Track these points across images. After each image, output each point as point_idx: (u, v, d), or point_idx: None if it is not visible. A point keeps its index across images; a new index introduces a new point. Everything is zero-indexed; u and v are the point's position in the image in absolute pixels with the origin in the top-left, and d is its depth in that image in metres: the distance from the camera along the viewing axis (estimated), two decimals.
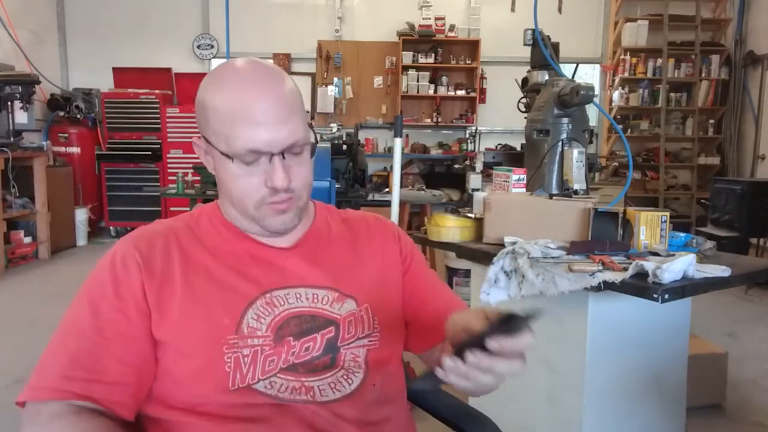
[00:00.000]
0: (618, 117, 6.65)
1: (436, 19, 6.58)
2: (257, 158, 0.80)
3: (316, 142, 0.87)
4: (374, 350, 0.88)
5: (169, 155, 6.27)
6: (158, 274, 0.81)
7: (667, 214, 1.62)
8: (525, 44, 2.94)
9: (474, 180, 3.44)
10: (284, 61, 6.73)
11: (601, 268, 1.44)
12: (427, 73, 6.70)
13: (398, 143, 2.35)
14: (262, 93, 0.79)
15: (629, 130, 6.63)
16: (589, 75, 7.03)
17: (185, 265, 0.83)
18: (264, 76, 0.81)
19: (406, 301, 0.98)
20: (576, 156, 2.18)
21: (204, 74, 5.75)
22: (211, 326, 0.80)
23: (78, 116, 6.21)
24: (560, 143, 2.30)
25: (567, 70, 2.62)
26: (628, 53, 6.50)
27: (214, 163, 0.85)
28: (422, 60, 6.67)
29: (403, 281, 0.98)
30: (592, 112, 4.85)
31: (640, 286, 1.39)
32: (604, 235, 1.62)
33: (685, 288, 1.40)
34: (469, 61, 6.76)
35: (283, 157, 0.81)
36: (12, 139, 4.96)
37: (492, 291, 1.61)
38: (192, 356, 0.79)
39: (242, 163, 0.80)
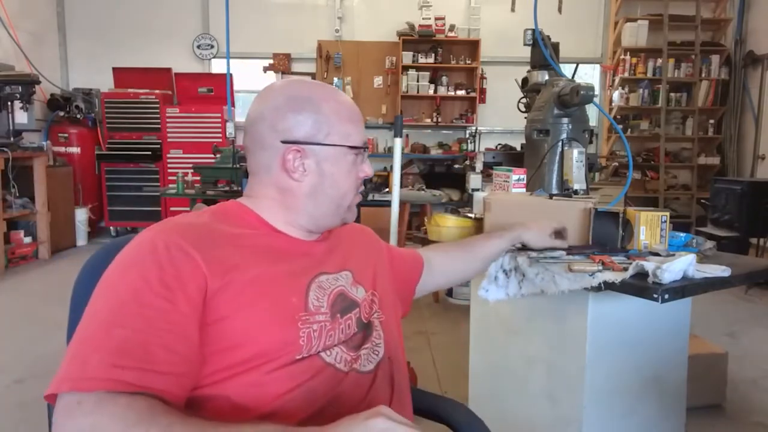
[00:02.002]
0: (618, 117, 6.65)
1: (436, 19, 6.58)
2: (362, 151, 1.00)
3: None
4: (382, 328, 1.01)
5: (169, 155, 6.28)
6: (216, 261, 0.83)
7: (667, 214, 1.61)
8: (525, 44, 2.94)
9: (474, 180, 3.42)
10: (284, 61, 6.73)
11: (601, 268, 1.44)
12: (427, 73, 6.69)
13: (398, 143, 2.35)
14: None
15: (629, 130, 6.63)
16: (589, 75, 7.03)
17: (239, 252, 0.87)
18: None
19: (395, 273, 1.18)
20: (576, 156, 2.18)
21: (204, 74, 5.75)
22: (282, 305, 0.86)
23: (78, 116, 6.21)
24: (560, 143, 2.30)
25: (567, 70, 2.62)
26: (628, 53, 6.50)
27: (317, 166, 0.95)
28: (422, 60, 6.67)
29: (391, 266, 1.18)
30: (592, 112, 4.85)
31: (640, 286, 1.39)
32: (605, 236, 1.62)
33: (685, 288, 1.40)
34: (469, 61, 6.76)
35: None
36: (12, 139, 4.97)
37: (491, 288, 1.61)
38: (268, 334, 0.83)
39: (356, 156, 0.98)
